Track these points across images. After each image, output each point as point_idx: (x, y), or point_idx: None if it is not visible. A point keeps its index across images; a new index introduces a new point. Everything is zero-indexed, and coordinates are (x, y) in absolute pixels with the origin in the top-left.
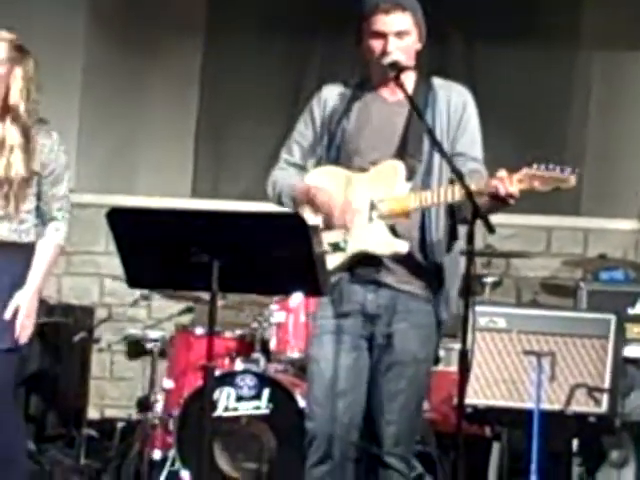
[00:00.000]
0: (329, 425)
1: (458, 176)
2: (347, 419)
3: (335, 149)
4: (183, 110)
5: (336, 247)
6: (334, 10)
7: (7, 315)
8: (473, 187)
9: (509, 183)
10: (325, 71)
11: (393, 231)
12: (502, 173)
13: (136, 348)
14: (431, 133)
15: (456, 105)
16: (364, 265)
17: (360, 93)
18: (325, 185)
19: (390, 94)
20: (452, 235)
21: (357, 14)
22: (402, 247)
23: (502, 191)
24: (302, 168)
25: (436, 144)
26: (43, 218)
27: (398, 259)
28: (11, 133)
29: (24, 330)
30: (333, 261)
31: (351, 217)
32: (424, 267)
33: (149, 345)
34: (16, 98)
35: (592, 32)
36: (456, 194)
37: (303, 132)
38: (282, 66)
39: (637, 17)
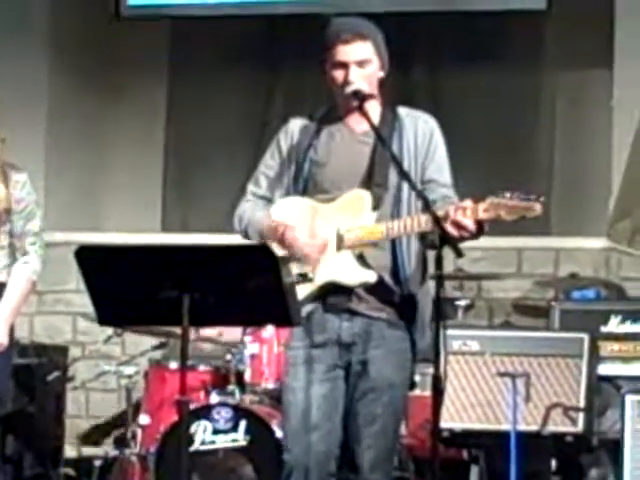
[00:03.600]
0: (306, 456)
1: (425, 203)
2: (323, 449)
3: (302, 180)
4: (150, 145)
5: (304, 277)
6: (297, 43)
7: None
8: (440, 214)
9: (470, 213)
10: (290, 103)
11: (362, 260)
12: (467, 202)
13: None
14: (396, 161)
15: (423, 133)
16: (335, 294)
17: (327, 124)
18: (291, 217)
19: (357, 124)
20: (424, 265)
21: (320, 46)
22: (370, 277)
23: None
24: (269, 200)
25: (402, 172)
26: (15, 254)
27: (369, 288)
28: None
29: None
30: (302, 291)
31: (320, 252)
32: (397, 294)
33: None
34: None
35: (556, 54)
36: (422, 223)
37: (270, 164)
38: (247, 100)
39: (600, 37)
